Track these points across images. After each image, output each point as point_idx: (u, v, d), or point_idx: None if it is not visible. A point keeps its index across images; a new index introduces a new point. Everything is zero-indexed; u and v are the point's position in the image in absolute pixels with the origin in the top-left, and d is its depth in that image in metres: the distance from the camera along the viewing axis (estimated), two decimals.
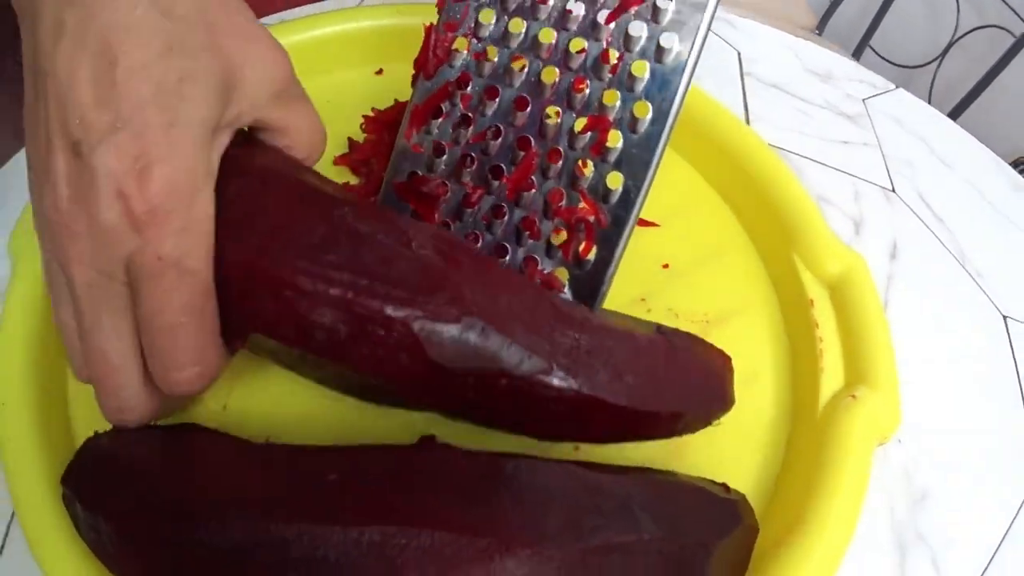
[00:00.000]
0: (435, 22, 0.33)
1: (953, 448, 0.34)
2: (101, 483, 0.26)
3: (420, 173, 0.33)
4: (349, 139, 0.39)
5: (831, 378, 0.33)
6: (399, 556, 0.21)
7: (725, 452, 0.33)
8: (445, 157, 0.33)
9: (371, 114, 0.39)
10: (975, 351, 0.37)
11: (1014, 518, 0.32)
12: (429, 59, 0.33)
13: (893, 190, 0.42)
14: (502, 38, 0.32)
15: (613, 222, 0.31)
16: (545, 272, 0.32)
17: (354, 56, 0.43)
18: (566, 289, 0.32)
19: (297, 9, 0.47)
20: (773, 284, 0.37)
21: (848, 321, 0.35)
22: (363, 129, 0.39)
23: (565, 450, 0.32)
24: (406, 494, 0.23)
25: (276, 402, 0.32)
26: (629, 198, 0.31)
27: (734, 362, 0.31)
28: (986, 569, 0.32)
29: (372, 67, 0.43)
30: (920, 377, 0.35)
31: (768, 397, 0.34)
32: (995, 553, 0.32)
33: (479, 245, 0.33)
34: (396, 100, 0.39)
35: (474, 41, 0.32)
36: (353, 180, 0.38)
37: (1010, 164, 0.46)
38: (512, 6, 0.32)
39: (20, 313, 0.32)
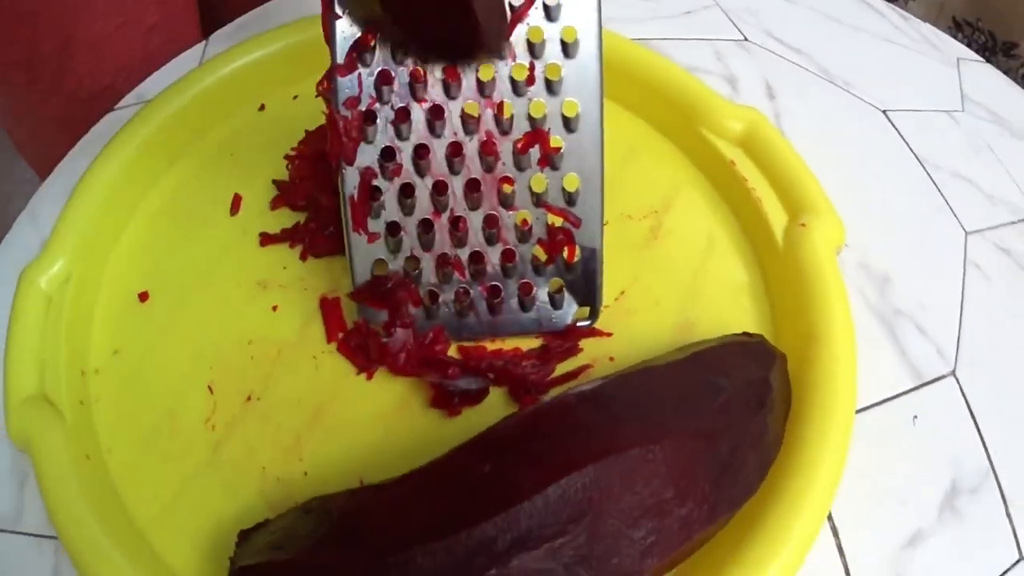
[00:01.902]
0: (328, 108, 0.32)
1: (891, 233, 0.40)
2: None
3: (387, 262, 0.33)
4: (274, 181, 0.39)
5: (777, 218, 0.38)
6: (585, 497, 0.25)
7: (722, 313, 0.37)
8: (403, 233, 0.33)
9: (292, 153, 0.39)
10: (873, 148, 0.43)
11: (964, 272, 0.39)
12: (344, 145, 0.32)
13: (745, 39, 0.47)
14: (410, 91, 0.32)
15: (585, 219, 0.33)
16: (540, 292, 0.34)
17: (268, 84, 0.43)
18: (566, 294, 0.35)
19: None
20: (692, 161, 0.42)
21: (769, 167, 0.39)
22: (289, 170, 0.39)
23: (605, 368, 0.35)
24: (558, 447, 0.26)
25: (353, 444, 0.33)
26: (590, 189, 0.33)
27: (687, 244, 0.35)
28: (961, 320, 0.38)
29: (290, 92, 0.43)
30: (838, 185, 0.41)
31: (733, 254, 0.39)
32: (962, 307, 0.39)
33: (471, 296, 0.34)
34: (306, 130, 0.39)
35: (386, 108, 0.32)
36: (300, 217, 0.39)
37: None
38: (407, 60, 0.31)
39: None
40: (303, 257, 0.38)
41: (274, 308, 0.36)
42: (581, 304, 0.35)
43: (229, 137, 0.42)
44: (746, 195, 0.39)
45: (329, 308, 0.36)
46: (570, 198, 0.34)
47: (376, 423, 0.34)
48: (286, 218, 0.39)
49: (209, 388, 0.35)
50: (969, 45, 0.63)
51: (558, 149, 0.33)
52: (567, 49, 0.32)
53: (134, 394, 0.35)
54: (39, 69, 0.47)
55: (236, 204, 0.39)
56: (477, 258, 0.34)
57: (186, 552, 0.31)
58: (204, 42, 0.46)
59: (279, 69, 0.42)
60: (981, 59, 0.48)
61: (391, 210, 0.33)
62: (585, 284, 0.35)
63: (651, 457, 0.26)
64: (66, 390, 0.34)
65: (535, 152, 0.33)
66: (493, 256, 0.34)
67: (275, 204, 0.39)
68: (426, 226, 0.33)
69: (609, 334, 0.36)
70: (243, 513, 0.32)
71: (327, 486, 0.32)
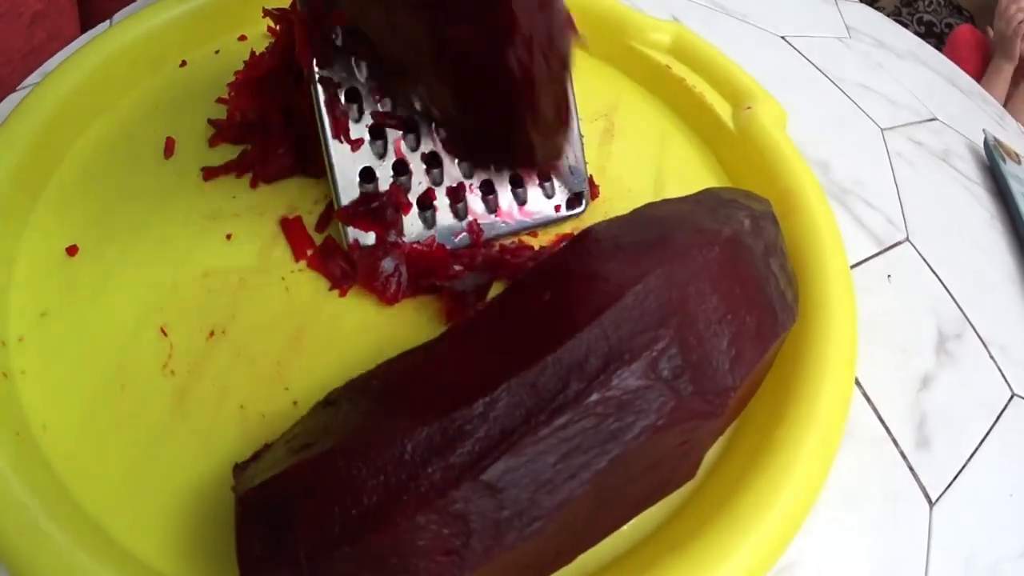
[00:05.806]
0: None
1: (818, 130, 0.42)
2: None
3: (374, 169, 0.31)
4: (210, 121, 0.36)
5: (721, 108, 0.39)
6: (666, 298, 0.23)
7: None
8: (388, 135, 0.30)
9: (229, 95, 0.35)
10: (780, 66, 0.46)
11: (890, 158, 0.41)
12: (315, 47, 0.29)
13: None
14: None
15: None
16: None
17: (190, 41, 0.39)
18: (556, 182, 0.33)
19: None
20: (626, 74, 0.42)
21: (702, 66, 0.41)
22: (231, 98, 0.35)
23: None
24: (621, 259, 0.24)
25: (345, 361, 0.29)
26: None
27: (642, 140, 0.35)
28: (899, 196, 0.40)
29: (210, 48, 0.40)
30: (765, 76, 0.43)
31: (687, 145, 0.39)
32: (896, 185, 0.40)
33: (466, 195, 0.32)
34: (243, 62, 0.36)
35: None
36: (241, 150, 0.35)
37: None
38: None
39: None
40: (253, 184, 0.34)
41: (228, 237, 0.32)
42: (570, 189, 0.34)
43: (153, 92, 0.38)
44: (687, 92, 0.40)
45: (291, 227, 0.32)
46: None
47: (366, 335, 0.30)
48: (228, 153, 0.35)
49: (162, 331, 0.30)
50: None
51: None
52: None
53: (69, 358, 0.29)
54: None
55: (170, 147, 0.35)
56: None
57: (157, 528, 0.25)
58: (108, 21, 0.42)
59: (199, 25, 0.39)
60: (857, 0, 0.52)
61: (372, 111, 0.30)
62: (576, 177, 0.34)
63: (711, 257, 0.24)
64: None
65: None
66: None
67: (214, 141, 0.35)
68: (410, 125, 0.31)
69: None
70: (226, 463, 0.27)
71: None
